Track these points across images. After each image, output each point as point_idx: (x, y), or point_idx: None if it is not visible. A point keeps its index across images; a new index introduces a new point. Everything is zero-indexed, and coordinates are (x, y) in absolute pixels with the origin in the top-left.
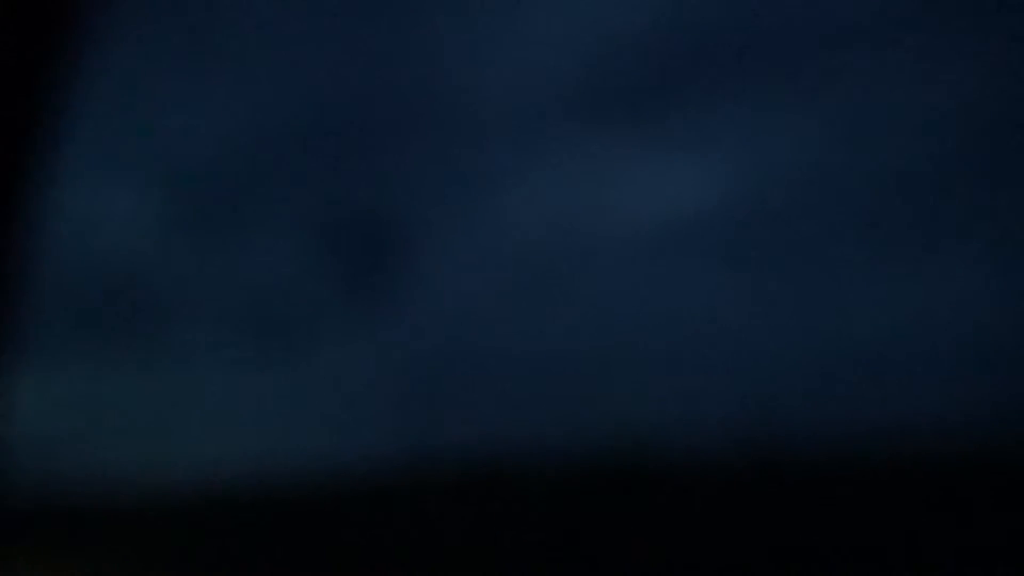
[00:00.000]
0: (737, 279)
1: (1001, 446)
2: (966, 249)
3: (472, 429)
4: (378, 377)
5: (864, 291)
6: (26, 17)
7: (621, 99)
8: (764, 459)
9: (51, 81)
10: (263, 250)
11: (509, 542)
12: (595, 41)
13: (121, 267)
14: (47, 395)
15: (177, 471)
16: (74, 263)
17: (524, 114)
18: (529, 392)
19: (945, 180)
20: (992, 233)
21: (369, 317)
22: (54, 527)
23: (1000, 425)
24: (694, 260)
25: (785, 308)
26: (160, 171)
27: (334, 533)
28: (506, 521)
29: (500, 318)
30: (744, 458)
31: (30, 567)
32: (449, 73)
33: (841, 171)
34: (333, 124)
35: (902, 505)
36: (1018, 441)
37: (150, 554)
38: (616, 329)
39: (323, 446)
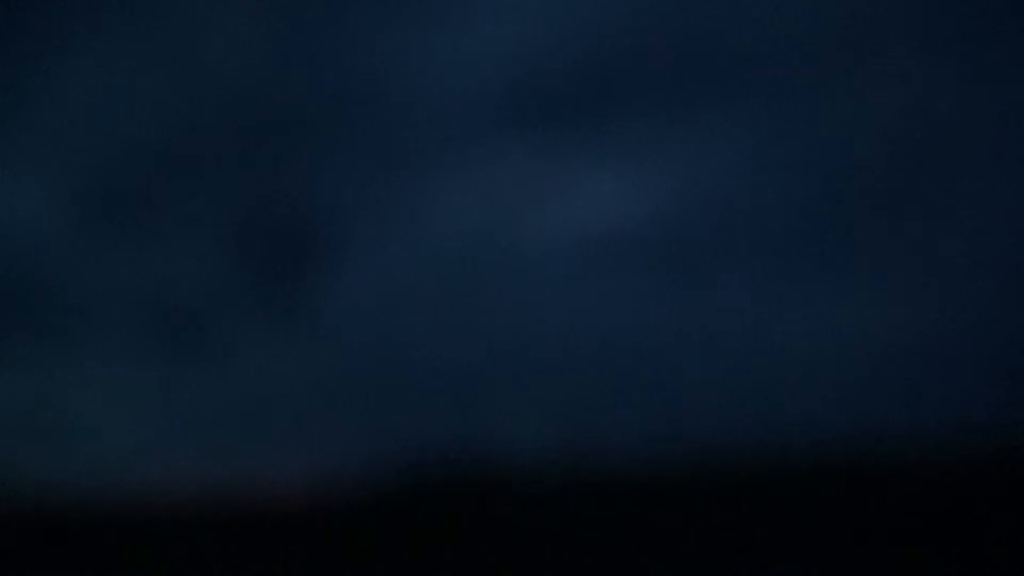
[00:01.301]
0: (661, 294)
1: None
2: (886, 265)
3: (379, 437)
4: (289, 381)
5: (785, 306)
6: None
7: (557, 108)
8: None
9: None
10: (175, 249)
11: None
12: (534, 49)
13: (26, 264)
14: None
15: (73, 474)
16: None
17: (457, 116)
18: (438, 400)
19: (875, 197)
20: (904, 254)
21: (282, 320)
22: None
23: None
24: (619, 274)
25: (706, 325)
26: (69, 167)
27: (226, 542)
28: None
29: (417, 324)
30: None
31: None
32: (380, 70)
33: (768, 190)
34: (255, 119)
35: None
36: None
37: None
38: (533, 340)
39: (229, 452)
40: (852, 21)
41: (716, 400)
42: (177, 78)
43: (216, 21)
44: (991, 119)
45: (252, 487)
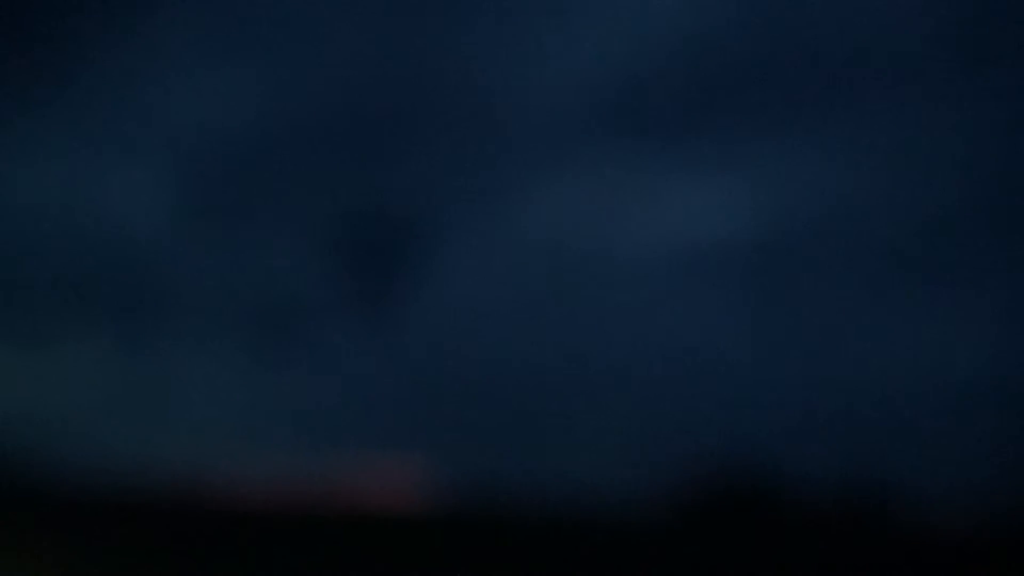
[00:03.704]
0: (753, 308)
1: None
2: (986, 289)
3: (468, 441)
4: (378, 382)
5: (879, 325)
6: None
7: (654, 116)
8: (753, 492)
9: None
10: (271, 244)
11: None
12: (632, 56)
13: (128, 255)
14: (40, 376)
15: (165, 462)
16: (80, 245)
17: (554, 120)
18: (526, 407)
19: (969, 218)
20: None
21: (374, 318)
22: (27, 509)
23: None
24: (712, 285)
25: (797, 339)
26: (174, 159)
27: (311, 538)
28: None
29: (508, 328)
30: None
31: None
32: (477, 71)
33: (865, 207)
34: (354, 118)
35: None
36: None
37: (119, 545)
38: (624, 349)
39: (317, 447)
40: (953, 26)
41: (803, 417)
42: (276, 76)
43: (315, 20)
44: None
45: (340, 483)
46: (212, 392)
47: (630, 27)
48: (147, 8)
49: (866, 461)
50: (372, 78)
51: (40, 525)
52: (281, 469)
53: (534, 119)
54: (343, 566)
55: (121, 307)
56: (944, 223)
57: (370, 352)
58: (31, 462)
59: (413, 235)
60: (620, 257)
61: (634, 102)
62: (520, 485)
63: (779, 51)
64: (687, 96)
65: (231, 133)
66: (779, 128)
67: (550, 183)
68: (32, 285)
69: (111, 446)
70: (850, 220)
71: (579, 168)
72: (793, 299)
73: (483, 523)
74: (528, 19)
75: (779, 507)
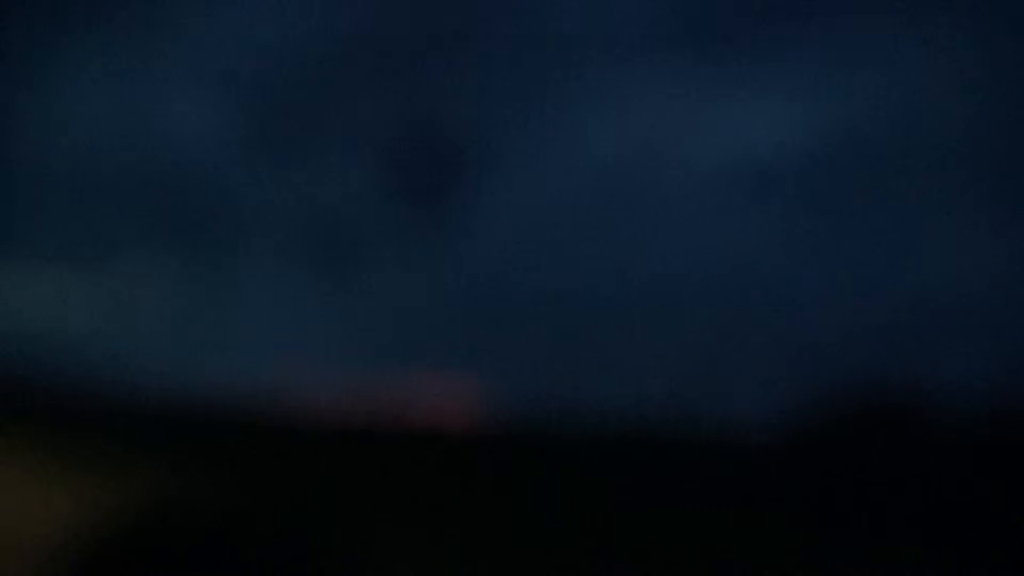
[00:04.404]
0: (812, 229)
1: None
2: None
3: (518, 360)
4: (434, 305)
5: (941, 249)
6: None
7: (718, 34)
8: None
9: None
10: (328, 168)
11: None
12: None
13: (186, 175)
14: (108, 299)
15: (222, 381)
16: (138, 167)
17: (611, 38)
18: (580, 333)
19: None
20: None
21: (431, 241)
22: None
23: None
24: (768, 208)
25: (856, 262)
26: (226, 86)
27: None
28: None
29: (565, 250)
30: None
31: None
32: None
33: (934, 126)
34: (406, 38)
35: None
36: None
37: (182, 462)
38: (684, 273)
39: (372, 367)
40: None
41: (852, 345)
42: None
43: None
44: None
45: (398, 402)
46: (272, 313)
47: None
48: None
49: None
50: None
51: (108, 442)
52: (338, 388)
53: (587, 37)
54: (401, 484)
55: (184, 231)
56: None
57: (424, 270)
58: (100, 382)
59: (468, 156)
60: (678, 176)
61: (687, 18)
62: (585, 406)
63: None
64: (743, 11)
65: (287, 56)
66: (842, 48)
67: (606, 101)
68: (99, 210)
69: (176, 366)
70: (912, 144)
71: (637, 87)
72: (843, 223)
73: (547, 443)
74: None
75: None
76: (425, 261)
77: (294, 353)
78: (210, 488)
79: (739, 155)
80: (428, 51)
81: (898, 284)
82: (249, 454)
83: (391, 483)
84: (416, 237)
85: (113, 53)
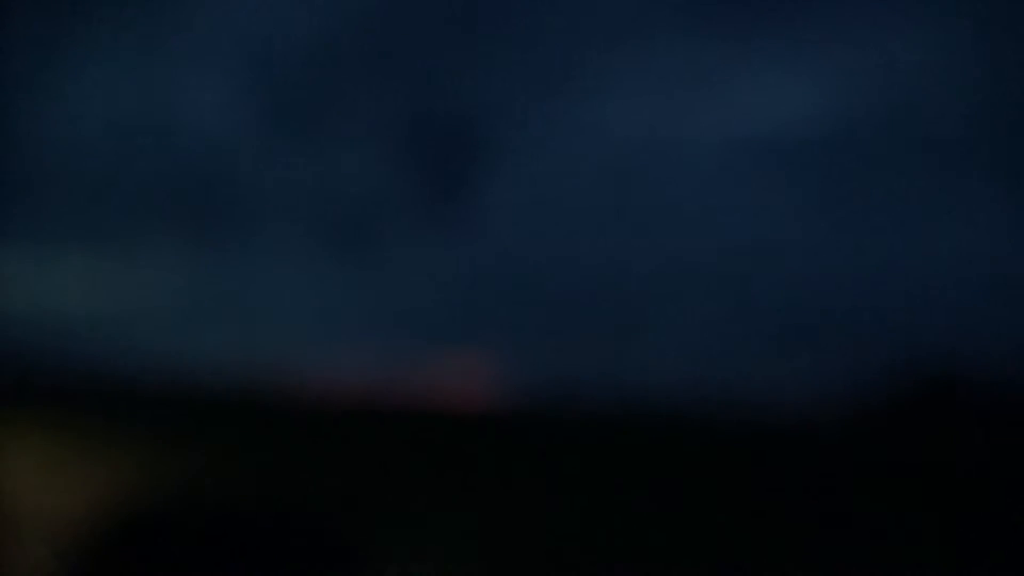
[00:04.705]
0: (827, 204)
1: None
2: None
3: (534, 344)
4: (448, 284)
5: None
6: None
7: (724, 6)
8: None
9: None
10: (346, 147)
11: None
12: None
13: (208, 158)
14: (127, 281)
15: (243, 363)
16: (162, 154)
17: (623, 13)
18: (596, 305)
19: None
20: None
21: (445, 222)
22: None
23: None
24: (786, 177)
25: (872, 238)
26: (242, 69)
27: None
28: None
29: (581, 229)
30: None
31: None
32: None
33: (952, 93)
34: (426, 13)
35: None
36: None
37: (200, 443)
38: (697, 246)
39: (391, 347)
40: None
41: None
42: None
43: None
44: None
45: (417, 381)
46: (292, 293)
47: None
48: None
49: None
50: None
51: (125, 425)
52: (358, 369)
53: (602, 12)
54: (421, 464)
55: (203, 212)
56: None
57: (440, 254)
58: (119, 364)
59: (486, 135)
60: (693, 152)
61: None
62: (602, 384)
63: None
64: None
65: (304, 37)
66: (850, 18)
67: (622, 76)
68: (117, 193)
69: (194, 348)
70: (934, 112)
71: (652, 58)
72: (862, 193)
73: (567, 422)
74: None
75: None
76: (443, 240)
77: (314, 335)
78: (228, 470)
79: (772, 127)
80: (445, 31)
81: (953, 256)
82: (267, 436)
83: (411, 463)
84: (434, 216)
85: (133, 36)
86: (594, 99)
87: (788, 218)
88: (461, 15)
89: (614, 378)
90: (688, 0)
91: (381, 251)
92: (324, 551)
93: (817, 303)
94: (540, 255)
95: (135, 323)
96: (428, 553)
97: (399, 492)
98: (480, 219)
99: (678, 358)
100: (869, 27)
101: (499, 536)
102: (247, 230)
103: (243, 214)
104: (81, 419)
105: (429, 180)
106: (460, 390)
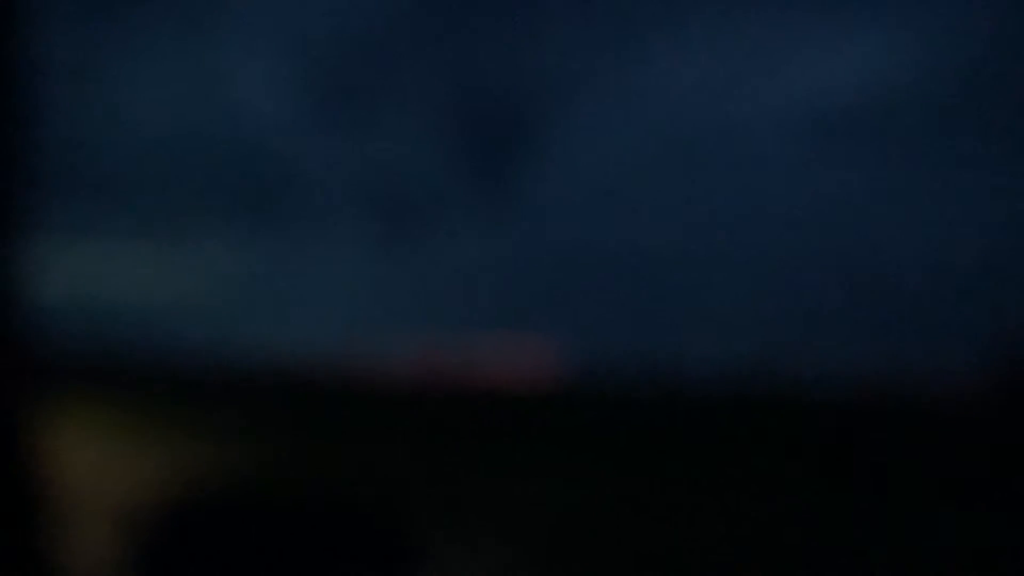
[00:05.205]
0: (885, 176)
1: None
2: None
3: (585, 324)
4: (503, 267)
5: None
6: None
7: None
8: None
9: None
10: (393, 131)
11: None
12: None
13: (249, 149)
14: (175, 268)
15: (285, 348)
16: (197, 130)
17: None
18: (651, 292)
19: None
20: None
21: (496, 200)
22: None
23: None
24: (847, 153)
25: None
26: (289, 54)
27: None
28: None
29: (634, 206)
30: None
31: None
32: None
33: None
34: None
35: None
36: None
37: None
38: (752, 224)
39: (441, 330)
40: None
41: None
42: None
43: None
44: None
45: (467, 364)
46: (340, 278)
47: None
48: None
49: None
50: None
51: (181, 411)
52: (408, 352)
53: None
54: (472, 446)
55: (252, 199)
56: None
57: (490, 234)
58: (170, 352)
59: (535, 114)
60: (750, 124)
61: None
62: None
63: None
64: None
65: (352, 21)
66: None
67: (675, 49)
68: (164, 181)
69: (244, 333)
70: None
71: (708, 30)
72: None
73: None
74: None
75: None
76: (494, 220)
77: (365, 320)
78: (284, 456)
79: (850, 96)
80: (494, 9)
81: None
82: (320, 420)
83: (465, 445)
84: (484, 196)
85: (181, 23)
86: (643, 76)
87: (855, 194)
88: None
89: (676, 359)
90: None
91: (433, 235)
92: (380, 535)
93: (912, 283)
94: (592, 236)
95: (191, 311)
96: (484, 531)
97: (453, 474)
98: (531, 200)
99: (742, 338)
100: None
101: (558, 518)
102: (297, 216)
103: (293, 201)
104: (135, 406)
105: (480, 162)
106: (517, 372)
